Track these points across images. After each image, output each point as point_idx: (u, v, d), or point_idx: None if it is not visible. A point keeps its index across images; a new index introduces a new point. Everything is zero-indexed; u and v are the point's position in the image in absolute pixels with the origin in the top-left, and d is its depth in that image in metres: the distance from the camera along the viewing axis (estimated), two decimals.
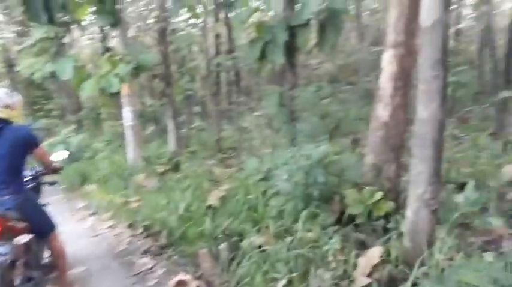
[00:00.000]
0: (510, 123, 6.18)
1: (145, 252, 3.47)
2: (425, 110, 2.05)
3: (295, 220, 2.85)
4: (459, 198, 2.53)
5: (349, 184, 3.12)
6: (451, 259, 1.98)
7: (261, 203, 3.21)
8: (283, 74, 9.64)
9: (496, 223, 2.42)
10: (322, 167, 2.90)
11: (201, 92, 11.90)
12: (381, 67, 3.03)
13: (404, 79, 2.95)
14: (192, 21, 11.58)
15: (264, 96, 8.88)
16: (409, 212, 2.19)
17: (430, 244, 2.08)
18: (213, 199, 3.83)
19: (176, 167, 6.18)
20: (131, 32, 9.23)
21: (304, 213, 2.73)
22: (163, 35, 6.19)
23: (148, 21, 9.91)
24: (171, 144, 6.94)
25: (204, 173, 5.64)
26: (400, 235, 2.31)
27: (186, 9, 6.92)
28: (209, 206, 3.67)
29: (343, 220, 2.83)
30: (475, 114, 7.86)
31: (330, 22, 5.74)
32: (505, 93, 5.84)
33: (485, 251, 2.55)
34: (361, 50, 14.06)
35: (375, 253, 2.21)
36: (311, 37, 6.00)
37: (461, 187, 3.53)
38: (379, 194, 2.70)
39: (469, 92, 8.75)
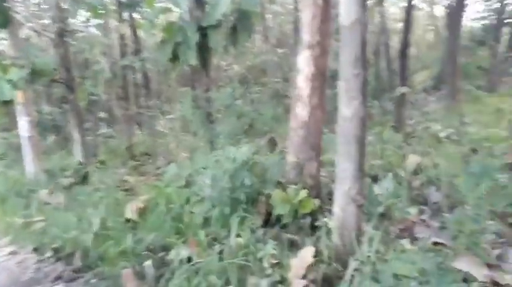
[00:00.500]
0: (407, 116, 6.79)
1: (57, 278, 3.09)
2: (347, 107, 2.10)
3: (223, 226, 2.76)
4: (378, 190, 2.67)
5: (273, 184, 3.12)
6: (378, 252, 2.06)
7: (185, 212, 3.06)
8: (195, 75, 9.46)
9: (412, 211, 2.59)
10: (247, 170, 2.85)
11: (107, 97, 11.19)
12: (297, 68, 3.07)
13: (321, 79, 3.02)
14: (94, 22, 10.82)
15: (178, 99, 8.63)
16: (336, 209, 2.23)
17: (359, 239, 2.14)
18: (131, 212, 3.56)
19: (84, 180, 5.69)
20: (23, 33, 8.30)
21: (234, 218, 2.64)
22: (61, 36, 5.63)
23: (43, 22, 9.00)
24: (77, 154, 6.38)
25: (117, 184, 5.28)
26: (329, 232, 2.35)
27: (85, 8, 6.40)
28: (128, 220, 3.40)
29: (270, 221, 2.82)
30: (375, 109, 8.50)
31: (241, 23, 5.75)
32: (401, 90, 6.38)
33: (401, 238, 2.73)
34: (267, 52, 14.45)
35: (307, 254, 2.21)
36: (222, 38, 5.96)
37: (374, 179, 3.75)
38: (304, 193, 2.73)
39: (368, 89, 9.44)
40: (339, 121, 2.15)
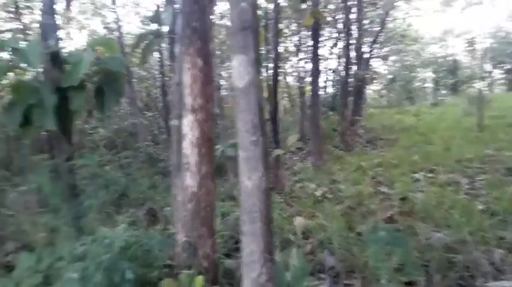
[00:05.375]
0: (283, 177, 6.93)
1: None
2: (249, 180, 1.86)
3: None
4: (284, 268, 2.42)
5: (161, 271, 2.65)
6: None
7: None
8: (53, 141, 8.29)
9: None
10: (128, 259, 2.34)
11: None
12: (182, 133, 2.79)
13: (208, 145, 2.78)
14: None
15: (32, 170, 7.46)
16: None
17: None
18: None
19: None
20: None
21: None
22: None
23: None
24: None
25: None
26: None
27: None
28: None
29: None
30: None
31: (107, 85, 5.30)
32: (276, 152, 6.55)
33: None
34: (135, 115, 13.94)
35: None
36: (88, 101, 5.40)
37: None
38: (200, 279, 2.33)
39: None
40: (241, 196, 1.89)
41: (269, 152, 6.91)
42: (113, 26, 13.99)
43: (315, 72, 7.86)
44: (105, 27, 14.34)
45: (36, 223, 5.53)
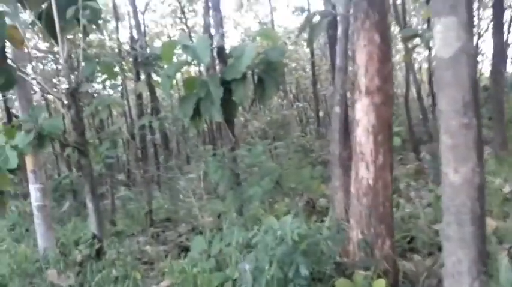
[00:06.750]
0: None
1: None
2: (456, 172, 1.49)
3: None
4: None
5: (331, 268, 2.44)
6: None
7: None
8: (217, 133, 8.87)
9: None
10: (302, 253, 2.19)
11: (125, 158, 10.86)
12: (355, 119, 2.51)
13: (385, 132, 2.45)
14: (110, 82, 10.75)
15: (199, 158, 8.17)
16: None
17: None
18: None
19: (99, 253, 5.05)
20: (36, 96, 8.11)
21: None
22: (73, 97, 5.19)
23: (57, 83, 8.91)
24: (91, 224, 5.78)
25: (136, 255, 4.65)
26: None
27: (99, 69, 6.11)
28: None
29: None
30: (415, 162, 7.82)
31: (268, 76, 5.34)
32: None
33: None
34: (286, 106, 14.17)
35: None
36: (247, 92, 5.55)
37: None
38: (381, 284, 2.04)
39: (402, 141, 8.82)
40: (444, 191, 1.53)
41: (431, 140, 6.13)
42: (265, 20, 14.47)
43: (498, 46, 6.63)
44: (258, 22, 14.96)
45: (204, 208, 5.99)
